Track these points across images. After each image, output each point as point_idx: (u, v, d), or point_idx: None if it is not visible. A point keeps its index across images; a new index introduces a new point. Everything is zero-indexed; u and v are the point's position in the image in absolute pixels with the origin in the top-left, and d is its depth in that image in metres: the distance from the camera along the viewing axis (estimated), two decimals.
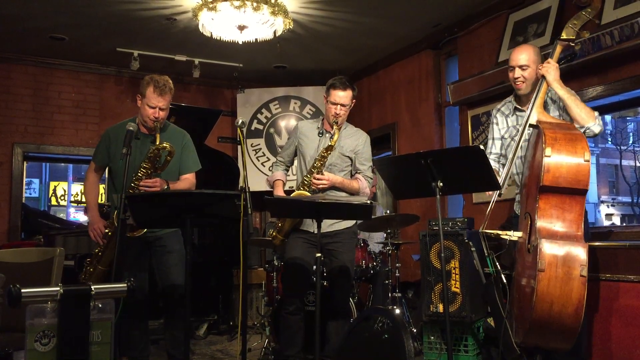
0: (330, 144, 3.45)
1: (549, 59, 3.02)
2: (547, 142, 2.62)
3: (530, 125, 2.92)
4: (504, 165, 3.23)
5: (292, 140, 3.71)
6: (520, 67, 3.10)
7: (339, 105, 3.46)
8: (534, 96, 3.01)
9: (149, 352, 3.59)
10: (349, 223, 3.57)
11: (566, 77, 3.98)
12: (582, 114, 2.92)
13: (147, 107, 3.34)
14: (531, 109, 2.97)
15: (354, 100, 3.56)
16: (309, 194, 3.44)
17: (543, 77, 2.99)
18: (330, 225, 3.49)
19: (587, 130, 2.91)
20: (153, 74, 3.45)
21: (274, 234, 3.63)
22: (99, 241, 3.42)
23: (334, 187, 3.49)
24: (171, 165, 3.45)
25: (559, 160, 2.60)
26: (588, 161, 2.60)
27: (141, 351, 3.50)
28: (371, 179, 3.67)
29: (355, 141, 3.61)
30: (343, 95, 3.46)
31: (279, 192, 3.61)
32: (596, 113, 2.97)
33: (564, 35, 3.05)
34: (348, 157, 3.58)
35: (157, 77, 3.39)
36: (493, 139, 3.35)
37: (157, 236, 3.45)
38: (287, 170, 3.78)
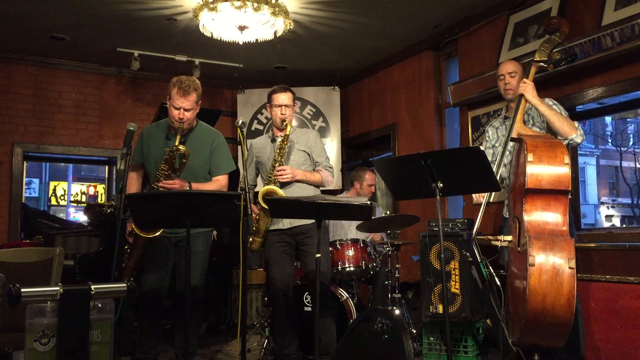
0: (286, 133, 3.58)
1: (525, 79, 3.29)
2: (529, 149, 2.83)
3: (512, 139, 3.14)
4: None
5: (251, 159, 3.83)
6: (509, 74, 3.44)
7: (283, 107, 3.67)
8: (514, 113, 3.24)
9: (157, 351, 3.60)
10: None
11: (567, 78, 4.02)
12: (564, 127, 3.16)
13: (172, 108, 3.37)
14: (512, 124, 3.18)
15: (295, 103, 3.79)
16: (277, 189, 3.54)
17: (521, 95, 3.25)
18: (296, 220, 3.60)
19: (571, 142, 3.18)
20: (181, 75, 3.47)
21: (250, 239, 3.66)
22: (127, 239, 3.46)
23: (297, 181, 3.63)
24: (198, 167, 3.47)
25: (540, 164, 2.82)
26: (568, 164, 2.81)
27: (148, 349, 3.50)
28: (331, 167, 3.83)
29: (306, 138, 3.80)
30: (285, 97, 3.69)
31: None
32: (576, 123, 3.23)
33: (537, 57, 3.34)
34: (304, 151, 3.74)
35: (184, 77, 3.42)
36: (485, 148, 3.60)
37: (183, 237, 3.44)
38: (253, 189, 3.87)
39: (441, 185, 2.68)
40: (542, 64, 3.33)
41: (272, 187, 3.55)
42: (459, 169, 2.72)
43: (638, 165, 18.82)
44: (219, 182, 3.55)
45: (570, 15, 4.08)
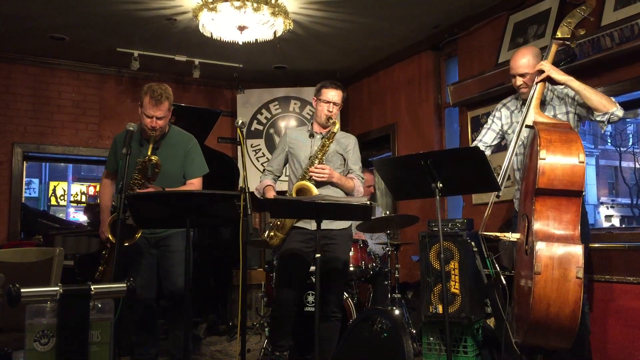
0: (333, 130, 3.47)
1: (543, 62, 2.98)
2: (542, 144, 2.62)
3: (527, 126, 2.92)
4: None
5: (282, 148, 3.69)
6: (521, 75, 3.10)
7: (331, 104, 3.53)
8: (530, 97, 2.98)
9: (157, 351, 3.60)
10: (345, 224, 3.58)
11: None
12: (603, 101, 2.89)
13: (144, 116, 3.37)
14: (527, 110, 2.96)
15: (342, 102, 3.63)
16: (311, 185, 3.42)
17: (538, 78, 2.96)
18: (327, 223, 3.47)
19: (612, 116, 2.89)
20: (152, 83, 3.46)
21: (272, 233, 3.59)
22: (107, 244, 3.47)
23: (331, 183, 3.51)
24: (173, 171, 3.48)
25: (553, 163, 2.60)
26: (583, 162, 2.60)
27: (148, 350, 3.52)
28: (363, 178, 3.71)
29: (346, 141, 3.66)
30: (335, 94, 3.54)
31: (271, 194, 3.56)
32: (612, 98, 2.96)
33: (559, 34, 3.01)
34: (341, 155, 3.62)
35: (155, 86, 3.40)
36: (488, 129, 3.33)
37: (162, 237, 3.47)
38: (276, 181, 3.73)
39: (441, 185, 2.67)
40: (565, 41, 2.99)
41: (307, 183, 3.43)
42: (459, 169, 2.71)
43: (637, 166, 18.82)
44: (194, 186, 3.55)
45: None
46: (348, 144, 3.65)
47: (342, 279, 3.60)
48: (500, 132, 3.31)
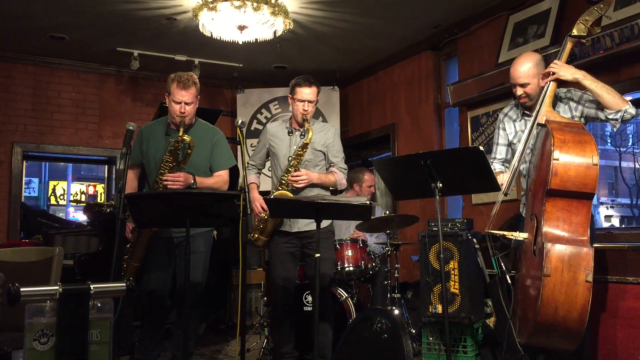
0: (305, 141, 3.51)
1: (556, 61, 2.90)
2: (556, 144, 2.56)
3: (539, 124, 2.85)
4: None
5: (263, 143, 3.74)
6: (521, 85, 2.99)
7: (306, 102, 3.54)
8: (542, 96, 2.90)
9: (159, 352, 3.59)
10: (325, 222, 3.59)
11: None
12: (616, 99, 2.80)
13: (173, 103, 3.37)
14: (539, 108, 2.88)
15: (318, 98, 3.64)
16: (290, 194, 3.48)
17: (548, 79, 2.89)
18: (306, 224, 3.55)
19: (625, 114, 2.79)
20: (178, 72, 3.47)
21: (255, 235, 3.64)
22: (129, 237, 3.47)
23: (312, 184, 3.54)
24: (199, 162, 3.47)
25: (567, 164, 2.55)
26: (596, 165, 2.54)
27: (150, 350, 3.50)
28: (345, 169, 3.73)
29: (324, 135, 3.66)
30: (309, 92, 3.55)
31: (255, 194, 3.62)
32: (624, 96, 2.87)
33: (574, 32, 2.91)
34: (320, 151, 3.64)
35: (181, 73, 3.43)
36: (497, 144, 3.26)
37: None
38: (259, 174, 3.82)
39: (440, 185, 2.67)
40: (581, 39, 2.91)
41: (285, 192, 3.50)
42: (459, 169, 2.71)
43: (637, 166, 18.82)
44: (222, 177, 3.56)
45: (569, 16, 4.08)
46: (327, 137, 3.66)
47: (328, 276, 3.65)
48: (508, 142, 3.23)
